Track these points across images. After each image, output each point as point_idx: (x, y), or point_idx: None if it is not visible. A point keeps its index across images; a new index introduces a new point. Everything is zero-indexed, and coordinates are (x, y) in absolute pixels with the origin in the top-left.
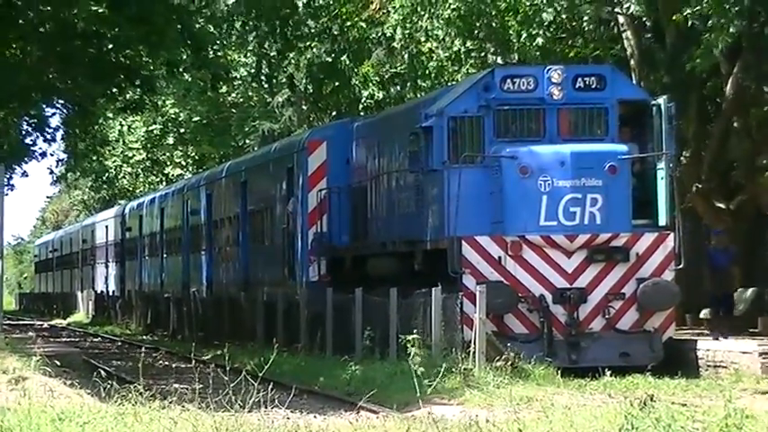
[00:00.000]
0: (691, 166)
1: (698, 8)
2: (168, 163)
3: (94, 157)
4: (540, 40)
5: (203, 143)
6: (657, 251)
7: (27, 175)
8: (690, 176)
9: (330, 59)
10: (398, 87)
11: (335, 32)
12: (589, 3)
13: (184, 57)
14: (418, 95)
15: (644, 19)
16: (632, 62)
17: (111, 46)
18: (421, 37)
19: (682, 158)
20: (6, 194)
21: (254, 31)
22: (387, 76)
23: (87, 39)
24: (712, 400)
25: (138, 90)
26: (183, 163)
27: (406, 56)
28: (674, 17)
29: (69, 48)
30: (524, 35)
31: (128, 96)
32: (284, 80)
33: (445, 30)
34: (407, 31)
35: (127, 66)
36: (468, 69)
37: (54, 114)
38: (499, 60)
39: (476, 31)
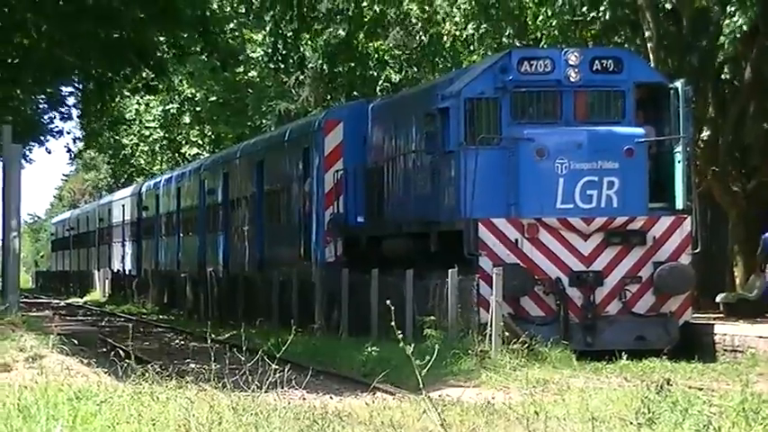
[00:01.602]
0: (707, 150)
1: None
2: (185, 142)
3: (109, 135)
4: (555, 22)
5: (220, 123)
6: (674, 234)
7: (50, 152)
8: (706, 160)
9: (345, 40)
10: (415, 69)
11: (350, 13)
12: None
13: (194, 39)
14: (434, 77)
15: (662, 3)
16: (650, 45)
17: (124, 27)
18: (438, 18)
19: (698, 142)
20: (23, 168)
21: (271, 11)
22: (403, 57)
23: (101, 19)
24: (729, 384)
25: (151, 72)
26: (200, 142)
27: (423, 36)
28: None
29: (83, 28)
30: (541, 17)
31: (141, 77)
32: (298, 60)
33: (462, 12)
34: (425, 13)
35: (139, 47)
36: (484, 52)
37: (71, 94)
38: (516, 43)
39: (492, 12)
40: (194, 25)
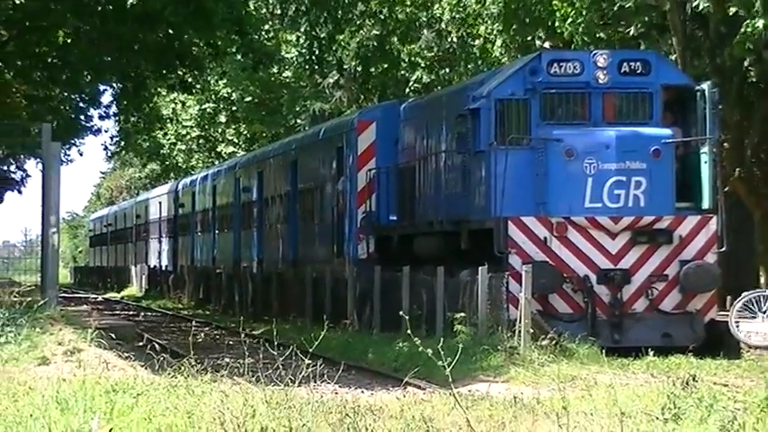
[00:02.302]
0: (733, 152)
1: None
2: (220, 140)
3: (146, 134)
4: (581, 21)
5: (255, 122)
6: (700, 234)
7: (81, 154)
8: (732, 161)
9: (378, 42)
10: (447, 70)
11: (383, 16)
12: None
13: (231, 40)
14: (465, 78)
15: (689, 6)
16: (677, 49)
17: (162, 29)
18: (469, 20)
19: (724, 143)
20: (64, 162)
21: (306, 15)
22: (435, 59)
23: (141, 21)
24: (753, 381)
25: (188, 71)
26: (236, 141)
27: (454, 38)
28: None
29: (124, 30)
30: (570, 19)
31: (177, 75)
32: (334, 62)
33: (491, 15)
34: (457, 15)
35: (176, 47)
36: (514, 54)
37: (105, 91)
38: (546, 45)
39: (521, 14)
40: (230, 26)
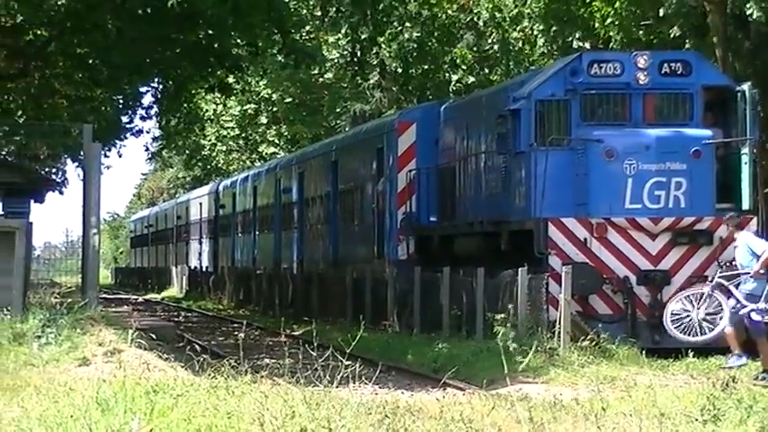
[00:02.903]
0: None
1: None
2: (261, 141)
3: (186, 135)
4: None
5: (296, 123)
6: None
7: (121, 156)
8: None
9: (419, 43)
10: (486, 71)
11: (423, 18)
12: None
13: (272, 41)
14: (505, 79)
15: (729, 7)
16: (717, 50)
17: (203, 30)
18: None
19: (765, 144)
20: (101, 173)
21: (346, 17)
22: (475, 60)
23: (179, 20)
24: None
25: (228, 72)
26: (276, 141)
27: (495, 39)
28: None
29: (162, 29)
30: (609, 19)
31: (217, 77)
32: (375, 63)
33: (530, 16)
34: (495, 15)
35: (216, 48)
36: (553, 55)
37: (146, 93)
38: (586, 45)
39: (563, 17)
40: (270, 26)
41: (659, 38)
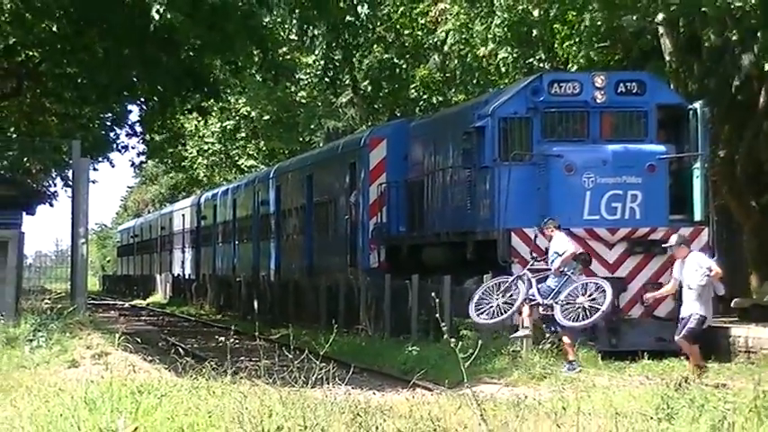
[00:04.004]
0: (723, 167)
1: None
2: (241, 154)
3: (170, 149)
4: (583, 50)
5: (273, 138)
6: (693, 244)
7: (114, 166)
8: (723, 176)
9: (388, 65)
10: (452, 91)
11: (391, 40)
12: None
13: (251, 60)
14: (469, 98)
15: (681, 31)
16: (670, 70)
17: (183, 53)
18: (474, 43)
19: (716, 159)
20: (93, 181)
21: (320, 38)
22: (441, 81)
23: (163, 44)
24: (743, 382)
25: (205, 96)
26: (256, 155)
27: (457, 61)
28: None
29: (147, 52)
30: (568, 43)
31: (196, 100)
32: (348, 82)
33: (495, 39)
34: (461, 38)
35: (196, 73)
36: (515, 75)
37: (131, 112)
38: (546, 66)
39: (523, 40)
40: (251, 47)
41: (615, 60)
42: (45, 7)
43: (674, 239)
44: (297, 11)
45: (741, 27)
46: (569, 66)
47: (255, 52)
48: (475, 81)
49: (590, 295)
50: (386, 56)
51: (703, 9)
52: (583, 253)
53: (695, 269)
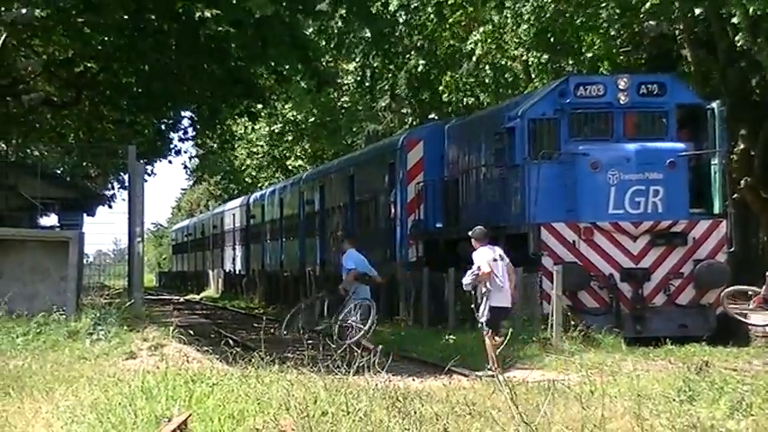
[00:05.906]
0: (741, 163)
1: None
2: (288, 155)
3: (222, 154)
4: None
5: (319, 140)
6: (712, 236)
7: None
8: (740, 171)
9: (424, 71)
10: (485, 94)
11: (426, 49)
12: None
13: (295, 68)
14: (498, 102)
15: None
16: (690, 71)
17: (231, 62)
18: (502, 50)
19: (733, 155)
20: (146, 180)
21: (360, 47)
22: (474, 84)
23: (211, 55)
24: (760, 366)
25: (253, 101)
26: (303, 156)
27: (488, 68)
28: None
29: (196, 61)
30: (595, 46)
31: (244, 106)
32: (387, 88)
33: (524, 45)
34: (490, 46)
35: (244, 80)
36: (543, 79)
37: (183, 118)
38: (573, 70)
39: (552, 45)
40: (294, 56)
41: (638, 63)
42: (102, 21)
43: None
44: (338, 20)
45: (759, 29)
46: (599, 68)
47: (299, 62)
48: (505, 83)
49: (361, 314)
50: (422, 62)
51: (733, 20)
52: (366, 274)
53: None
